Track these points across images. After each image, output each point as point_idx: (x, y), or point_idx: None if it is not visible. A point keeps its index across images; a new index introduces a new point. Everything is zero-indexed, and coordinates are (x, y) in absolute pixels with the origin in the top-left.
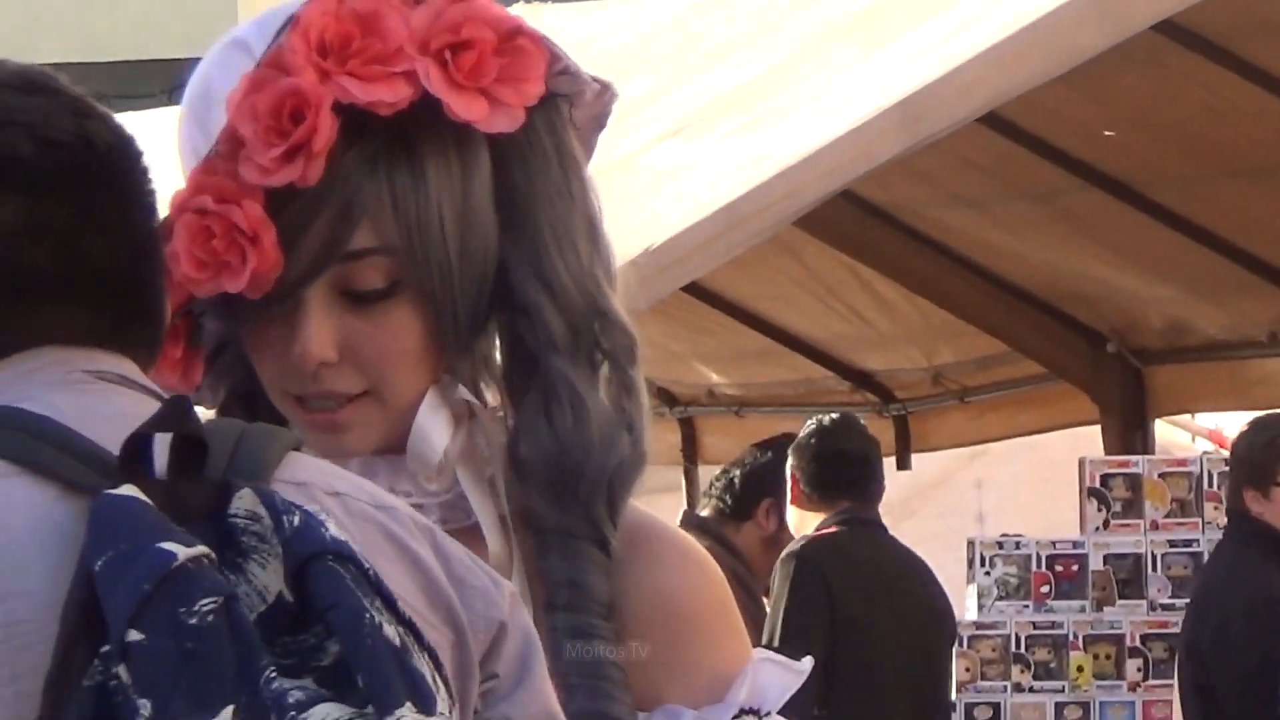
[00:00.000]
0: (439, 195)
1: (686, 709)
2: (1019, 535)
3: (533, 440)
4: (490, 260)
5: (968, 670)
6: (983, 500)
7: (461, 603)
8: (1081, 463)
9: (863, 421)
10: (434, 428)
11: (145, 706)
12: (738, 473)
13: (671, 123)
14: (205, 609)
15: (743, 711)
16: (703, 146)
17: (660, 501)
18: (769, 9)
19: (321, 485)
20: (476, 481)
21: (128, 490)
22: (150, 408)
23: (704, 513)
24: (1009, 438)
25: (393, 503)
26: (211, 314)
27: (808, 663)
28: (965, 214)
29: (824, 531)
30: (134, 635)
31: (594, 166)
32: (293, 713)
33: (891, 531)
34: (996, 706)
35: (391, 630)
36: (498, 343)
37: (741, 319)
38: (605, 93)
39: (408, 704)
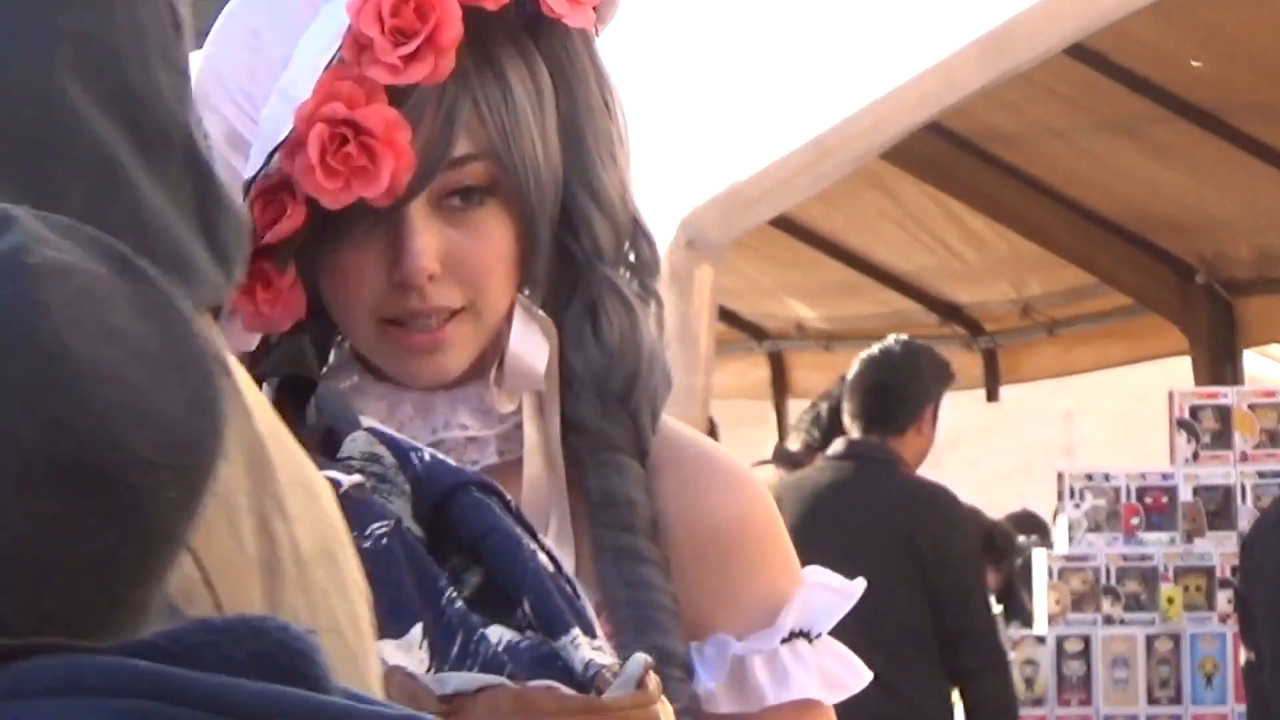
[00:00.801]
0: (523, 103)
1: (734, 639)
2: (1108, 467)
3: (582, 350)
4: (559, 169)
5: (1058, 603)
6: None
7: None
8: (1170, 394)
9: (909, 349)
10: (531, 343)
11: None
12: (825, 406)
13: (759, 57)
14: (379, 532)
15: (793, 634)
16: (790, 79)
17: (749, 434)
18: None
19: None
20: (534, 403)
21: None
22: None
23: (793, 446)
24: (1098, 370)
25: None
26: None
27: (859, 584)
28: (1052, 145)
29: (803, 468)
30: None
31: (683, 100)
32: (480, 630)
33: (980, 465)
34: (1087, 639)
35: (544, 558)
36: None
37: (830, 252)
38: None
39: (575, 629)
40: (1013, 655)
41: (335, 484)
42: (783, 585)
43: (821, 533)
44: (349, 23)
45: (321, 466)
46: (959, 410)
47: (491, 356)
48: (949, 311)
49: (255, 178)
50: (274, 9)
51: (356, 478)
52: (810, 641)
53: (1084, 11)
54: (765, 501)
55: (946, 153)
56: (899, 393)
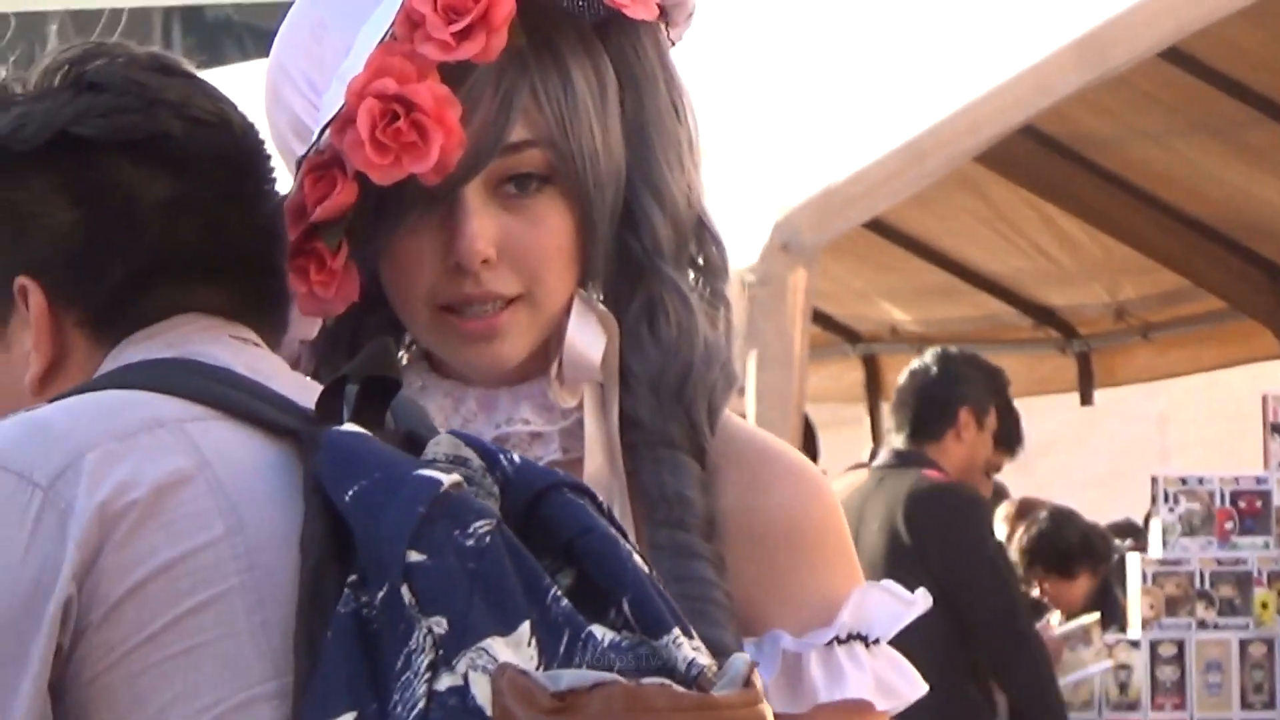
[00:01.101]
0: (584, 95)
1: (786, 634)
2: (1202, 471)
3: (640, 346)
4: (621, 166)
5: (1151, 607)
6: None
7: None
8: (1265, 398)
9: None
10: (588, 335)
11: (440, 624)
12: None
13: (853, 59)
14: (481, 530)
15: (850, 636)
16: (884, 82)
17: (843, 437)
18: None
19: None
20: (596, 398)
21: (353, 428)
22: (292, 375)
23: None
24: (1192, 373)
25: None
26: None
27: (920, 595)
28: (1147, 148)
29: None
30: (415, 556)
31: (776, 103)
32: (587, 628)
33: (1073, 470)
34: (1180, 643)
35: (639, 558)
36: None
37: (924, 255)
38: (690, 14)
39: (675, 628)
40: (1107, 660)
41: (435, 483)
42: (841, 585)
43: None
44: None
45: (424, 464)
46: (1052, 415)
47: (554, 352)
48: (1043, 315)
49: (306, 154)
50: (339, 1)
51: (455, 476)
52: (867, 646)
53: (1179, 15)
54: (827, 501)
55: (1041, 156)
56: (933, 399)
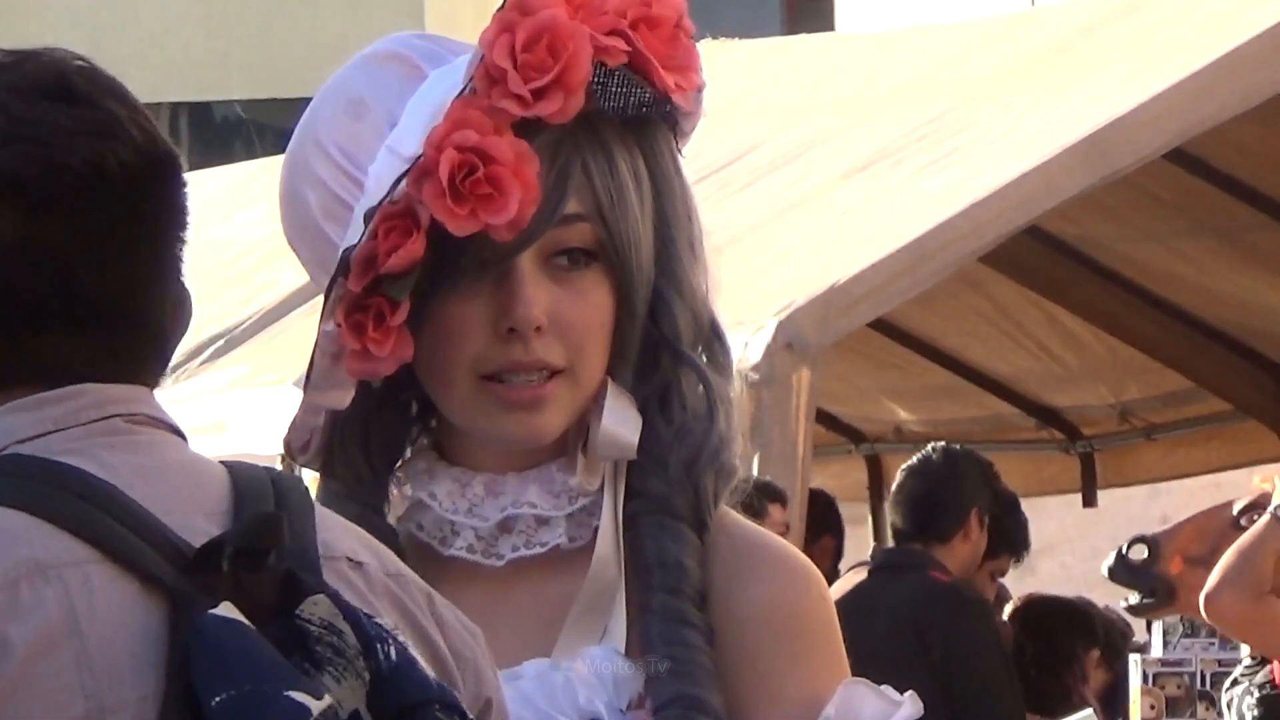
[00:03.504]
0: (626, 177)
1: None
2: None
3: (653, 426)
4: (652, 255)
5: (1153, 708)
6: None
7: (460, 677)
8: None
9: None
10: (623, 414)
11: None
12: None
13: (858, 158)
14: None
15: None
16: (889, 183)
17: (847, 536)
18: (954, 45)
19: (347, 552)
20: (612, 481)
21: (228, 612)
22: (180, 451)
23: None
24: (1195, 475)
25: (399, 569)
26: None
27: (910, 698)
28: (1152, 250)
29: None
30: None
31: (782, 201)
32: None
33: (1078, 569)
34: None
35: None
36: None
37: (928, 355)
38: (694, 129)
39: None
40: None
41: (304, 711)
42: (826, 680)
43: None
44: (480, 55)
45: (296, 681)
46: (1055, 515)
47: (572, 437)
48: (1047, 415)
49: (380, 204)
50: (376, 79)
51: (327, 701)
52: None
53: (1184, 116)
54: (817, 595)
55: (1046, 256)
56: (942, 501)
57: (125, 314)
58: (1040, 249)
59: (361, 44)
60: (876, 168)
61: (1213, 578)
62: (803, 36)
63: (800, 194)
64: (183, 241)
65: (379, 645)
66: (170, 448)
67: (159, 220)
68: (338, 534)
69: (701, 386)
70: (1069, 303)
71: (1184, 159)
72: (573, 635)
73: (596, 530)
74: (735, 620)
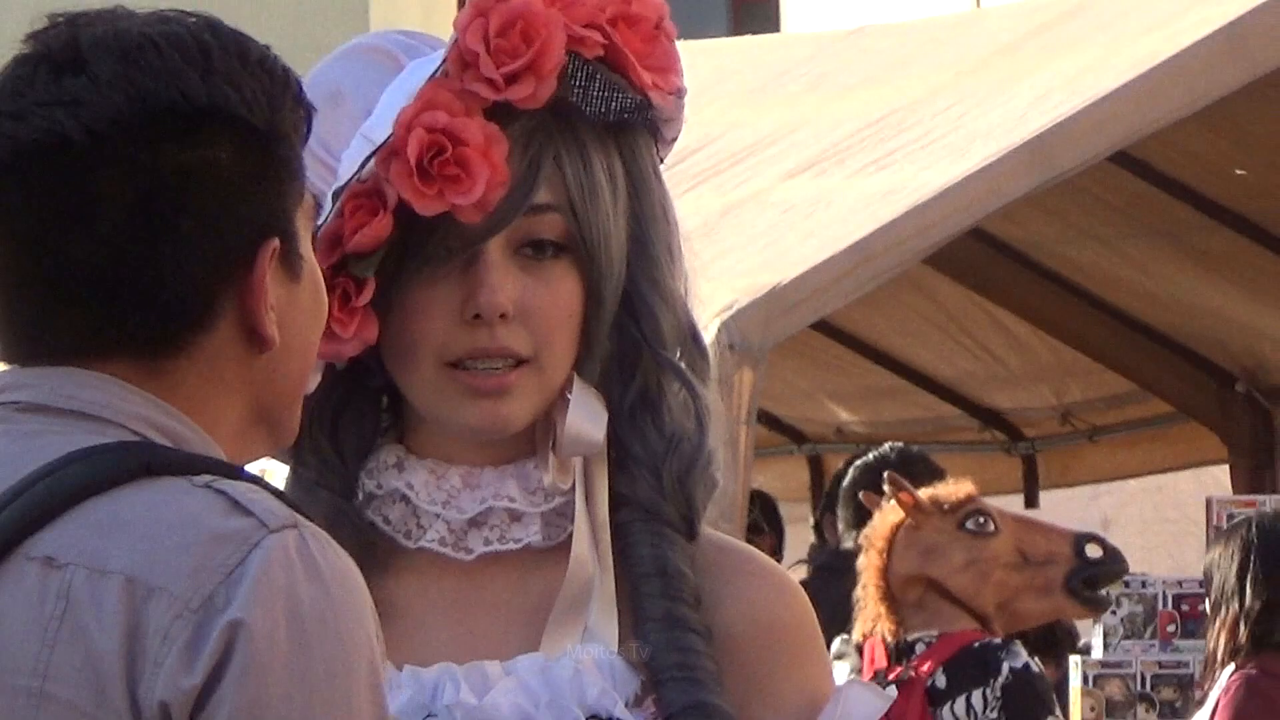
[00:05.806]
0: (599, 173)
1: None
2: (1145, 574)
3: (641, 431)
4: (625, 253)
5: (1093, 709)
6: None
7: (142, 680)
8: (1209, 502)
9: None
10: (590, 410)
11: None
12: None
13: (802, 159)
14: None
15: None
16: (833, 183)
17: (788, 534)
18: (900, 46)
19: (58, 553)
20: (583, 480)
21: None
22: (48, 439)
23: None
24: (1137, 476)
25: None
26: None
27: (893, 691)
28: (1096, 252)
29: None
30: None
31: (725, 202)
32: None
33: None
34: None
35: None
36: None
37: (870, 356)
38: (675, 138)
39: None
40: None
41: None
42: (820, 685)
43: None
44: (454, 39)
45: None
46: None
47: (543, 434)
48: (989, 417)
49: (348, 183)
50: (355, 71)
51: None
52: None
53: (1129, 119)
54: (804, 602)
55: (990, 258)
56: None
57: (105, 282)
58: (984, 250)
59: (306, 47)
60: (820, 168)
61: None
62: (748, 37)
63: (744, 194)
64: (155, 199)
65: None
66: (26, 435)
67: (125, 183)
68: (94, 538)
69: (686, 395)
70: (1012, 304)
71: (1128, 162)
72: (557, 632)
73: (565, 527)
74: (731, 632)
